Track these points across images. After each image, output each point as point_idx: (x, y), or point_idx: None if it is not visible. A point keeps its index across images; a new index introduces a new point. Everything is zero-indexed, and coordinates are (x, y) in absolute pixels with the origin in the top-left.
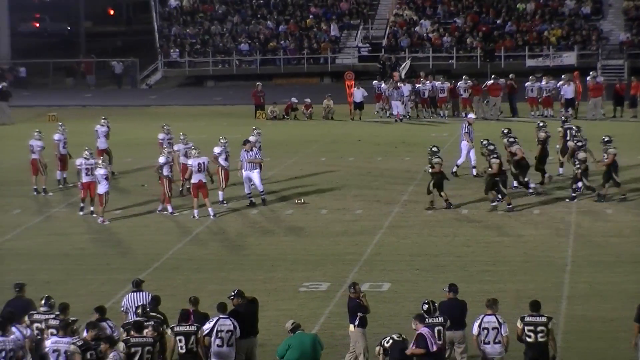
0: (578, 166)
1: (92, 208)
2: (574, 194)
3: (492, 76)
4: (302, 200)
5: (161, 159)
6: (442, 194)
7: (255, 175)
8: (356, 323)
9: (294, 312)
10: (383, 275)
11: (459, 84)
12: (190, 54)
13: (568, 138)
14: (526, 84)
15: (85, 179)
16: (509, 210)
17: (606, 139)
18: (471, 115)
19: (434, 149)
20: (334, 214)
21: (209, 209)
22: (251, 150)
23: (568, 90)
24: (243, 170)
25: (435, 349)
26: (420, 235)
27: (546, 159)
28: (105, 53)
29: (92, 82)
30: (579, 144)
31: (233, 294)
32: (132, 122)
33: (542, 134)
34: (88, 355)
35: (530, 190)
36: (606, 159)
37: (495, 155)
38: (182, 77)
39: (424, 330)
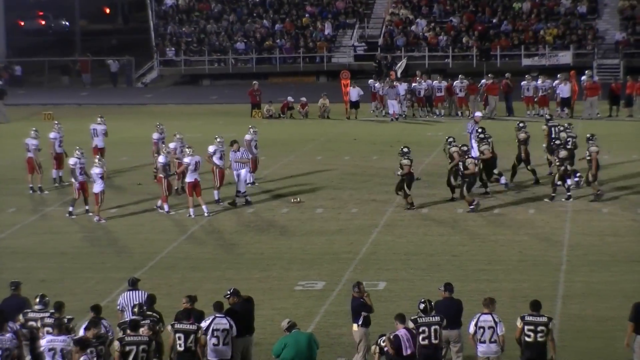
0: (558, 164)
1: (87, 207)
2: (568, 193)
3: (489, 75)
4: (298, 199)
5: (162, 159)
6: (400, 193)
7: (242, 174)
8: (360, 322)
9: (290, 311)
10: (379, 274)
11: (455, 83)
12: (186, 52)
13: (553, 136)
14: (522, 83)
15: (79, 178)
16: (472, 211)
17: (588, 136)
18: (478, 114)
19: (405, 149)
20: (330, 212)
21: (203, 207)
22: (238, 150)
23: (564, 89)
24: (233, 170)
25: (408, 352)
26: (415, 234)
27: (529, 158)
28: (101, 52)
29: (87, 81)
30: (557, 141)
31: (229, 292)
32: (127, 120)
33: (522, 135)
34: (88, 352)
35: (495, 185)
36: (589, 157)
37: (471, 156)
38: (177, 76)
39: (401, 332)
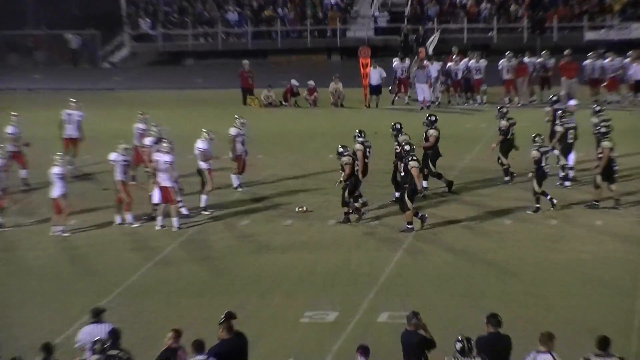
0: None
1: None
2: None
3: (543, 52)
4: (305, 208)
5: (113, 156)
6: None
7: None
8: None
9: (294, 348)
10: (405, 302)
11: (500, 62)
12: (165, 24)
13: (557, 122)
14: (585, 63)
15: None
16: (407, 230)
17: (534, 136)
18: (572, 102)
19: (341, 149)
20: (344, 224)
21: (173, 219)
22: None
23: (637, 70)
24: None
25: None
26: (450, 250)
27: (509, 153)
28: (58, 24)
29: (41, 60)
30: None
31: (222, 319)
32: (91, 110)
33: (504, 123)
34: None
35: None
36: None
37: (414, 158)
38: (154, 54)
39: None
